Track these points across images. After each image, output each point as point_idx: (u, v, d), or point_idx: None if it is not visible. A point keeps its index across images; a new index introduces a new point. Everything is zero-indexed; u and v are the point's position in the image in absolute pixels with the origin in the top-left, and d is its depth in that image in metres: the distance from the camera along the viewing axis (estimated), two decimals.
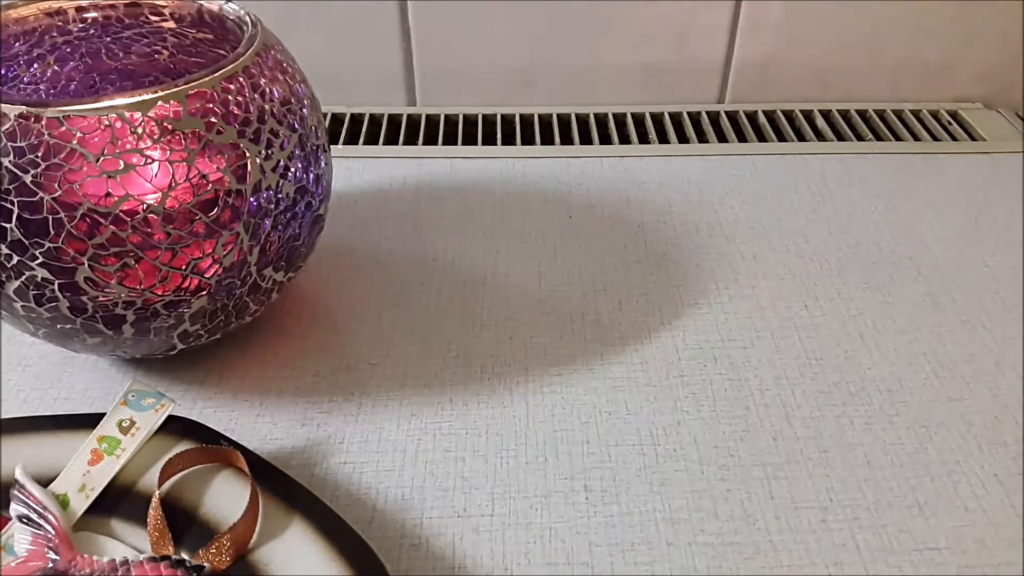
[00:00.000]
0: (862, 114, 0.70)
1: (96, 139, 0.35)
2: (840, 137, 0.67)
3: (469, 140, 0.67)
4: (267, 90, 0.39)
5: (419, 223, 0.57)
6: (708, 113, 0.71)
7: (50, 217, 0.35)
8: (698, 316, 0.49)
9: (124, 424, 0.38)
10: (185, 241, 0.37)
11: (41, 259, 0.36)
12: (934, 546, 0.36)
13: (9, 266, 0.36)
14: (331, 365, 0.46)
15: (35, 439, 0.38)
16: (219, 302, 0.40)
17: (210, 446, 0.37)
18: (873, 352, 0.47)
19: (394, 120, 0.70)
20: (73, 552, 0.34)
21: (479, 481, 0.39)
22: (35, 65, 0.46)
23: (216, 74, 0.37)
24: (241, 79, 0.38)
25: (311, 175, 0.42)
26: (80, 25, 0.46)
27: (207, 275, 0.39)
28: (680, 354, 0.46)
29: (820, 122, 0.69)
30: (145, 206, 0.36)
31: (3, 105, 0.35)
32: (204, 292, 0.39)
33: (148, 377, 0.45)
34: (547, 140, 0.67)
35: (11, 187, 0.35)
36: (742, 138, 0.68)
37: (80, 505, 0.36)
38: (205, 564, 0.33)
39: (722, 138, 0.68)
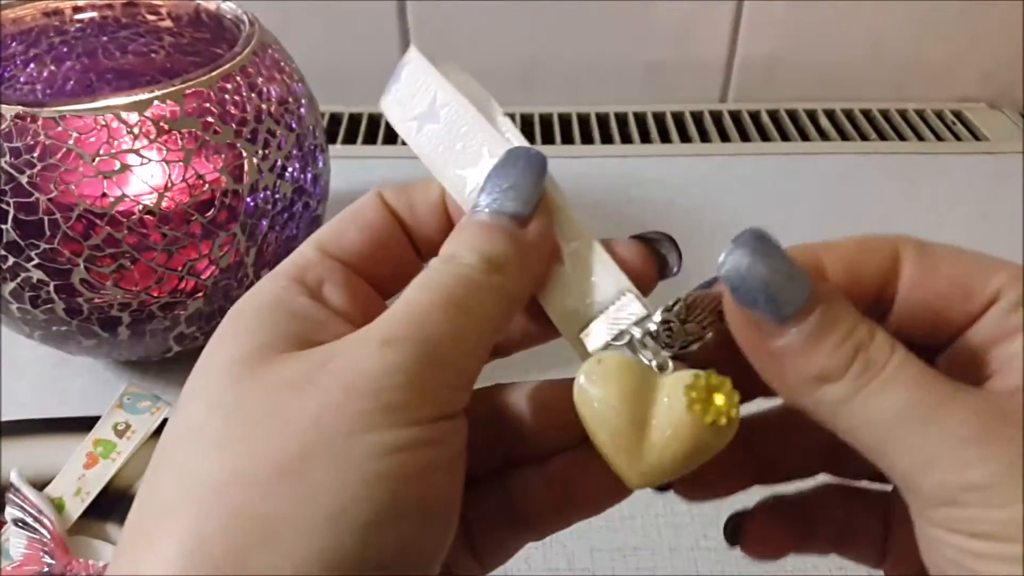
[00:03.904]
0: (866, 114, 0.70)
1: (92, 139, 0.35)
2: (844, 137, 0.67)
3: None
4: (264, 89, 0.39)
5: None
6: (711, 112, 0.70)
7: (46, 218, 0.35)
8: None
9: (120, 427, 0.37)
10: (181, 242, 0.37)
11: (37, 260, 0.35)
12: None
13: (5, 268, 0.36)
14: None
15: (30, 442, 0.38)
16: (215, 304, 0.40)
17: None
18: None
19: None
20: (68, 556, 0.34)
21: None
22: (32, 65, 0.46)
23: (213, 73, 0.37)
24: (238, 78, 0.38)
25: (309, 175, 0.42)
26: (77, 25, 0.46)
27: (203, 277, 0.38)
28: None
29: (824, 122, 0.69)
30: (141, 207, 0.35)
31: (0, 105, 0.35)
32: (200, 294, 0.39)
33: (144, 380, 0.44)
34: (548, 139, 0.67)
35: (7, 188, 0.34)
36: (745, 138, 0.67)
37: (76, 509, 0.35)
38: None
39: (725, 138, 0.67)
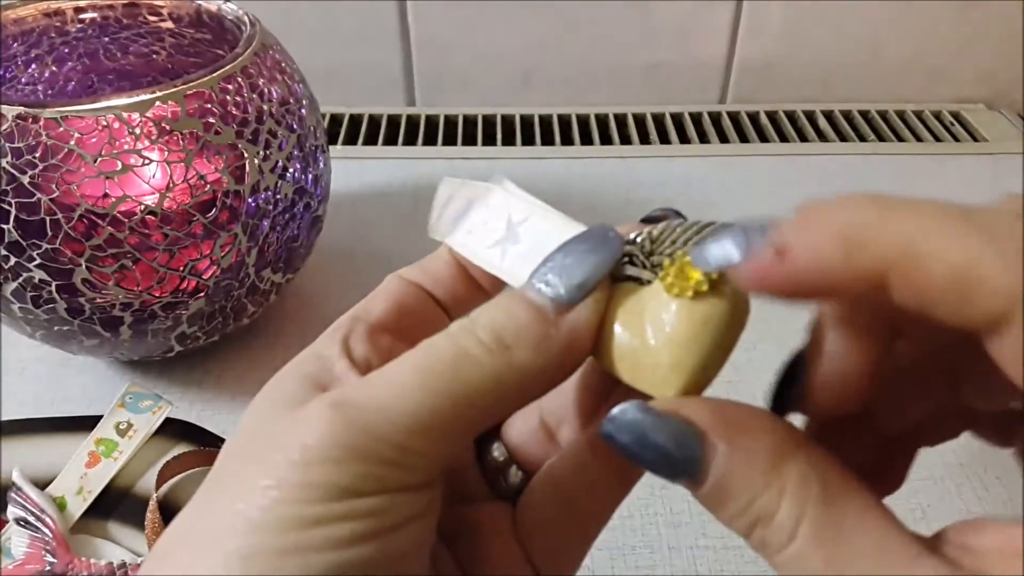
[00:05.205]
0: (864, 114, 0.70)
1: (94, 140, 0.35)
2: (842, 138, 0.67)
3: (469, 140, 0.67)
4: (265, 90, 0.39)
5: (419, 224, 0.57)
6: (710, 113, 0.70)
7: (47, 218, 0.35)
8: None
9: (121, 426, 0.38)
10: (183, 242, 0.37)
11: (39, 260, 0.36)
12: None
13: (7, 267, 0.36)
14: None
15: (32, 441, 0.38)
16: (217, 304, 0.40)
17: (208, 448, 0.37)
18: None
19: (393, 121, 0.69)
20: (70, 555, 0.34)
21: None
22: (33, 66, 0.46)
23: (214, 74, 0.37)
24: (239, 79, 0.38)
25: (310, 176, 0.42)
26: (78, 25, 0.46)
27: (205, 276, 0.38)
28: None
29: (822, 122, 0.69)
30: (143, 207, 0.36)
31: (1, 106, 0.35)
32: (202, 294, 0.39)
33: (146, 379, 0.44)
34: (547, 141, 0.67)
35: (9, 188, 0.34)
36: (744, 139, 0.67)
37: (77, 508, 0.36)
38: None
39: (724, 139, 0.67)
